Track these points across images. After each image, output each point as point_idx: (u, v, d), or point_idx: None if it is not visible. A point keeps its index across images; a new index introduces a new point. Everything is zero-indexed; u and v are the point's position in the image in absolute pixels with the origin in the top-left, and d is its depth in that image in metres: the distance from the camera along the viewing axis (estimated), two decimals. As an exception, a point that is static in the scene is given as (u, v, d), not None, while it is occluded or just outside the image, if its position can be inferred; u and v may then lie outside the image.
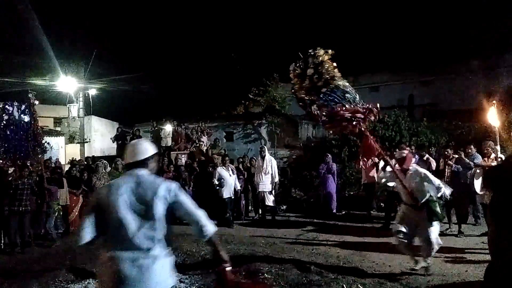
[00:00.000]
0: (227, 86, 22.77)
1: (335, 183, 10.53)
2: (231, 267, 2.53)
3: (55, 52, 18.03)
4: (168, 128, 15.11)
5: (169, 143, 14.62)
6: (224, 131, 18.36)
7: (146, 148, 2.72)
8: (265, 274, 5.42)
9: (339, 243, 7.21)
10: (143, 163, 2.66)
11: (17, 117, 10.13)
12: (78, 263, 6.36)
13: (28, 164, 9.60)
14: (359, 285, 4.87)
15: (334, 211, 10.28)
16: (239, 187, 9.83)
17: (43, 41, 17.20)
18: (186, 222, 2.58)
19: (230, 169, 9.68)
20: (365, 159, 9.99)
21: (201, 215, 2.55)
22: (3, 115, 10.05)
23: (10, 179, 7.90)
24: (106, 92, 21.62)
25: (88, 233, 2.52)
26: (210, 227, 2.52)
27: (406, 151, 5.85)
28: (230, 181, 9.46)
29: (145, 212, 2.49)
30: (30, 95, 10.75)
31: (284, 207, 11.25)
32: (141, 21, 29.24)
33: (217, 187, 9.35)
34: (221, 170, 9.53)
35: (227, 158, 10.18)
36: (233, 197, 9.60)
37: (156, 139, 14.50)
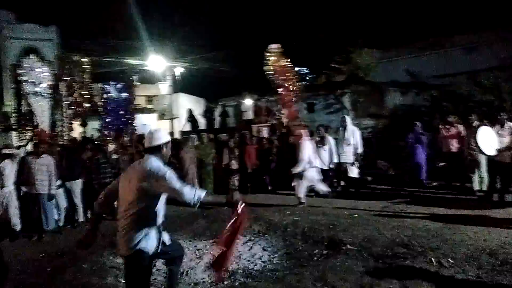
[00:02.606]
0: (307, 56, 22.23)
1: (425, 153, 9.85)
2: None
3: (146, 33, 19.26)
4: (249, 101, 15.35)
5: (251, 116, 14.90)
6: (304, 103, 18.12)
7: (160, 137, 3.15)
8: (348, 245, 5.32)
9: (429, 216, 6.69)
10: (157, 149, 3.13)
11: (115, 96, 11.23)
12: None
13: (124, 137, 10.58)
14: (449, 259, 4.53)
15: (424, 181, 9.68)
16: (334, 160, 9.28)
17: (136, 23, 18.44)
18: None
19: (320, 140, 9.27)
20: (447, 126, 9.14)
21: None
22: (103, 94, 11.20)
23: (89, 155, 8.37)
24: (192, 70, 22.58)
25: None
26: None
27: None
28: (320, 152, 9.08)
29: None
30: (134, 77, 11.89)
31: (370, 178, 10.86)
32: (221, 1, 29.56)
33: None
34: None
35: (321, 128, 9.68)
36: (326, 168, 9.14)
37: (238, 113, 14.86)
